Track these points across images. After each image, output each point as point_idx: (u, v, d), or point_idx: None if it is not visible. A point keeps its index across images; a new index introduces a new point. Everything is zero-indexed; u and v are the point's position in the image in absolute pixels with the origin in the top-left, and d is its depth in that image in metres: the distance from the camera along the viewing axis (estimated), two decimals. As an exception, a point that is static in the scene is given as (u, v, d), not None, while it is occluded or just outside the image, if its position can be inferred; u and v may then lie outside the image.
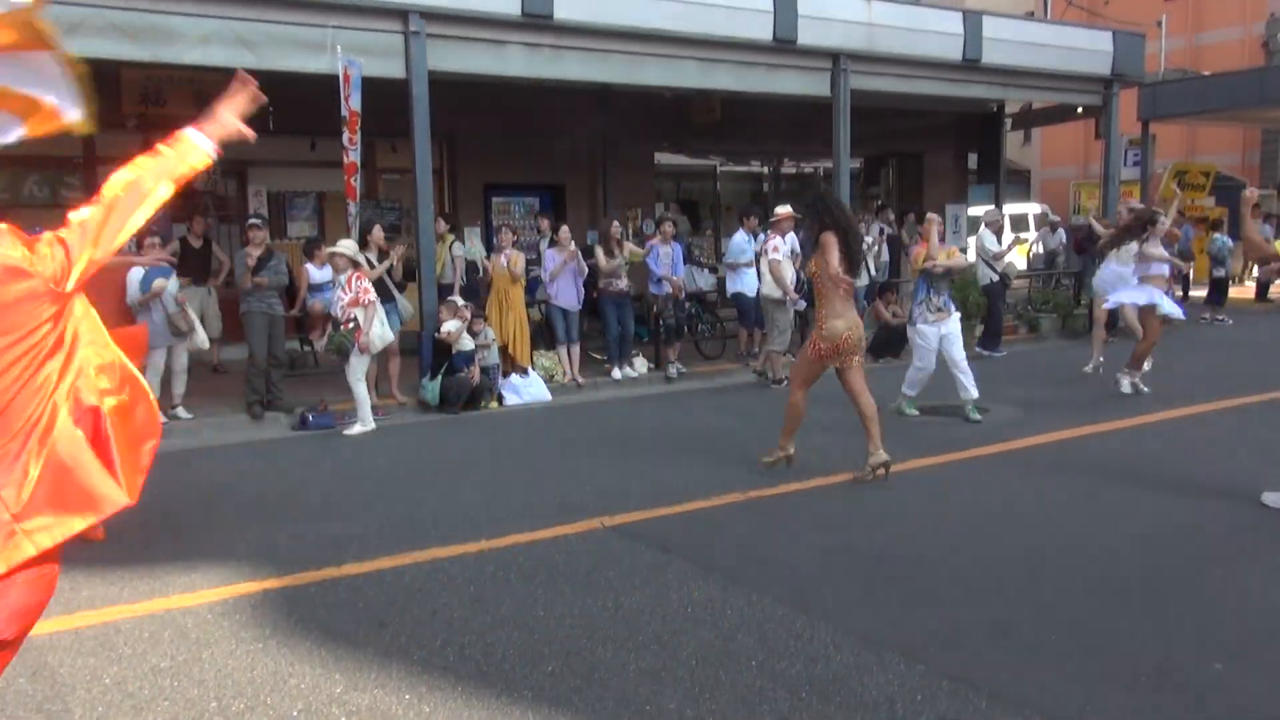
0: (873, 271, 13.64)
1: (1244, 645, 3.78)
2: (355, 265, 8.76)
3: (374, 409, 9.37)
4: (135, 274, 8.65)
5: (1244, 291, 19.14)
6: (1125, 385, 9.25)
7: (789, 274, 10.34)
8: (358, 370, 8.63)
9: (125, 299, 8.63)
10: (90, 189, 12.00)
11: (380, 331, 8.79)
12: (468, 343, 9.68)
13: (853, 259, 6.47)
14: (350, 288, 8.63)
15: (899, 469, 6.72)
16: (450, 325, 9.57)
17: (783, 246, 10.40)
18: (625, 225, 11.78)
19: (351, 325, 8.57)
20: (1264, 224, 18.68)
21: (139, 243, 9.03)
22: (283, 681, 3.69)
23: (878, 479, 6.31)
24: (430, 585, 4.68)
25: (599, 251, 10.76)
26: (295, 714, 3.44)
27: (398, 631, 4.13)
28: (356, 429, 8.58)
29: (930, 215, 8.73)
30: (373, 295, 8.73)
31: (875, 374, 11.57)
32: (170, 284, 8.79)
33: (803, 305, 10.97)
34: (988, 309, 12.62)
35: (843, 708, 3.36)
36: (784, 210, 10.60)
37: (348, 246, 8.84)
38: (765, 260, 10.49)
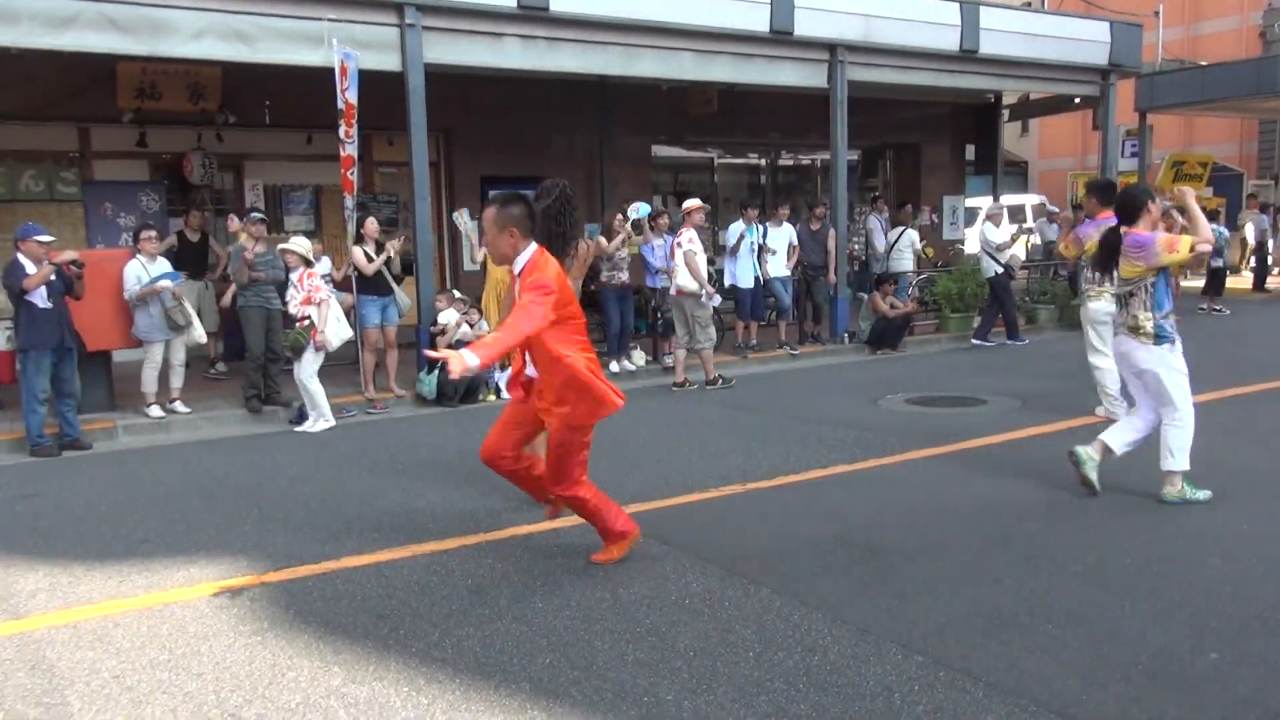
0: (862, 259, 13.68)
1: (1240, 635, 3.79)
2: (307, 263, 8.61)
3: (371, 402, 9.39)
4: (131, 268, 8.64)
5: (1239, 281, 19.15)
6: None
7: (704, 267, 10.03)
8: (309, 368, 8.47)
9: (122, 293, 8.63)
10: (86, 183, 12.06)
11: (336, 329, 8.65)
12: (467, 333, 9.68)
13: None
14: (302, 286, 8.48)
15: (896, 459, 6.74)
16: (445, 316, 9.57)
17: (697, 239, 10.06)
18: (625, 218, 11.75)
19: (306, 323, 8.44)
20: (1262, 214, 18.73)
21: (135, 236, 9.04)
22: (281, 674, 3.70)
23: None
24: (428, 578, 4.69)
25: (600, 240, 10.73)
26: (294, 706, 3.45)
27: (396, 624, 4.14)
28: (320, 425, 8.50)
29: (1183, 189, 5.98)
30: (324, 293, 8.59)
31: (870, 367, 11.56)
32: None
33: (719, 300, 10.62)
34: (999, 302, 12.71)
35: (840, 698, 3.37)
36: (693, 203, 10.28)
37: (299, 244, 8.68)
38: (680, 253, 9.94)
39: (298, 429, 8.50)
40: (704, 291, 9.93)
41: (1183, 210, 6.02)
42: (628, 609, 4.21)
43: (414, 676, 3.65)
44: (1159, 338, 5.50)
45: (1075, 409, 8.22)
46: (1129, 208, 5.64)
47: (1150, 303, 5.50)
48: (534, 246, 4.46)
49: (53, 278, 7.69)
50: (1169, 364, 5.52)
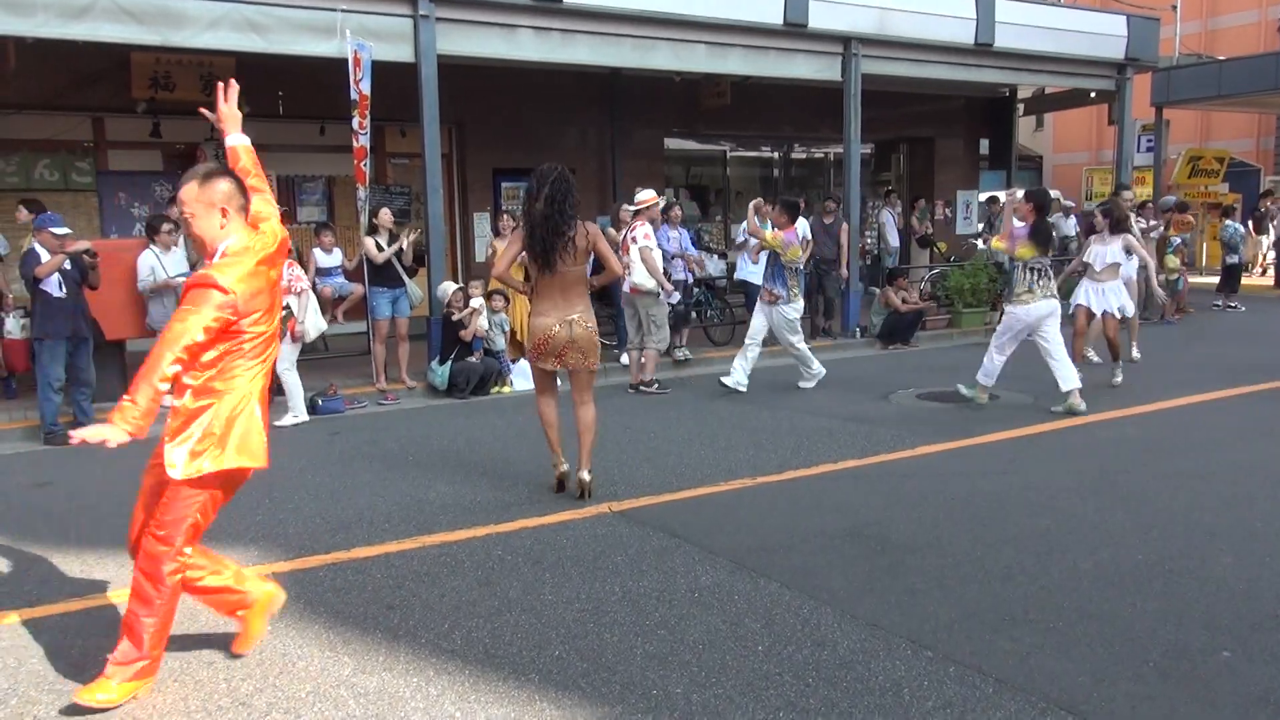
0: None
1: (1253, 632, 3.77)
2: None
3: (382, 393, 9.41)
4: (145, 259, 8.68)
5: (1263, 279, 19.01)
6: (1118, 377, 9.14)
7: (660, 263, 9.64)
8: (286, 359, 8.39)
9: (136, 284, 8.66)
10: (100, 173, 12.12)
11: (315, 321, 8.55)
12: (484, 323, 9.73)
13: (543, 257, 5.59)
14: (281, 275, 8.40)
15: (906, 454, 6.73)
16: (476, 302, 9.62)
17: (653, 233, 9.61)
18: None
19: (284, 313, 8.25)
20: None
21: (149, 226, 9.07)
22: (291, 664, 3.72)
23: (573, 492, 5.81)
24: (438, 569, 4.70)
25: (611, 231, 10.71)
26: (304, 695, 3.46)
27: (406, 615, 4.15)
28: (289, 420, 8.38)
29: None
30: (305, 283, 8.52)
31: (882, 361, 11.52)
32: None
33: (676, 298, 10.32)
34: None
35: (849, 693, 3.37)
36: (648, 195, 9.70)
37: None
38: (635, 249, 9.35)
39: (278, 424, 8.28)
40: (662, 290, 9.56)
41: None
42: (637, 602, 4.21)
43: (423, 667, 3.66)
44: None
45: (1087, 404, 8.18)
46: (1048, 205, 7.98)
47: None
48: (238, 235, 3.48)
49: (67, 266, 7.72)
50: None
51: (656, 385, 9.65)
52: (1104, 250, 9.16)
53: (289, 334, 8.37)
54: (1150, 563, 4.54)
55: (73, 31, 8.39)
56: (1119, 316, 9.22)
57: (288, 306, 8.35)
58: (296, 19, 9.20)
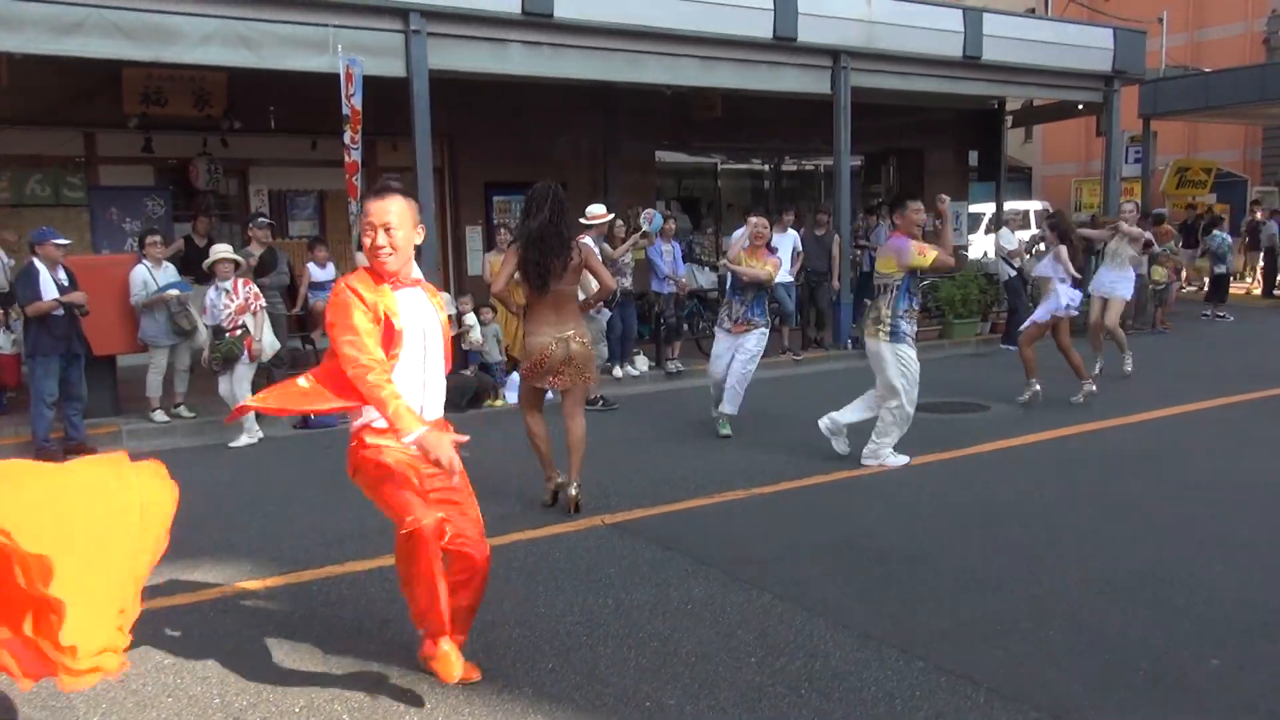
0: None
1: (1243, 641, 3.79)
2: (237, 268, 8.35)
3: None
4: (138, 274, 8.67)
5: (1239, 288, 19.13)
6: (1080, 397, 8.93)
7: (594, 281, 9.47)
8: (245, 380, 8.27)
9: (129, 299, 8.65)
10: (92, 188, 12.09)
11: (270, 339, 8.46)
12: (477, 335, 9.73)
13: (538, 276, 5.61)
14: (237, 293, 8.22)
15: (898, 465, 6.74)
16: (470, 319, 9.62)
17: (596, 251, 9.30)
18: (627, 222, 11.75)
19: (240, 333, 8.22)
20: (1271, 220, 18.73)
21: (141, 241, 9.08)
22: (285, 678, 3.71)
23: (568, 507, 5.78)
24: (432, 583, 4.69)
25: (605, 246, 10.71)
26: (298, 710, 3.46)
27: (399, 628, 4.15)
28: (243, 440, 8.25)
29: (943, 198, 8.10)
30: (262, 301, 8.44)
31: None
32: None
33: (608, 315, 10.19)
34: (1008, 305, 12.89)
35: (842, 704, 3.38)
36: (599, 210, 9.40)
37: (228, 251, 8.46)
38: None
39: (232, 445, 8.22)
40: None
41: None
42: (630, 615, 4.22)
43: (417, 681, 3.66)
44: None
45: (1077, 415, 8.23)
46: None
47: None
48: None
49: (59, 312, 7.68)
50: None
51: (601, 403, 9.37)
52: (1042, 263, 9.11)
53: (247, 354, 8.25)
54: (1141, 572, 4.57)
55: (64, 47, 8.39)
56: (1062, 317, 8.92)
57: (244, 326, 8.23)
58: (288, 34, 9.21)
